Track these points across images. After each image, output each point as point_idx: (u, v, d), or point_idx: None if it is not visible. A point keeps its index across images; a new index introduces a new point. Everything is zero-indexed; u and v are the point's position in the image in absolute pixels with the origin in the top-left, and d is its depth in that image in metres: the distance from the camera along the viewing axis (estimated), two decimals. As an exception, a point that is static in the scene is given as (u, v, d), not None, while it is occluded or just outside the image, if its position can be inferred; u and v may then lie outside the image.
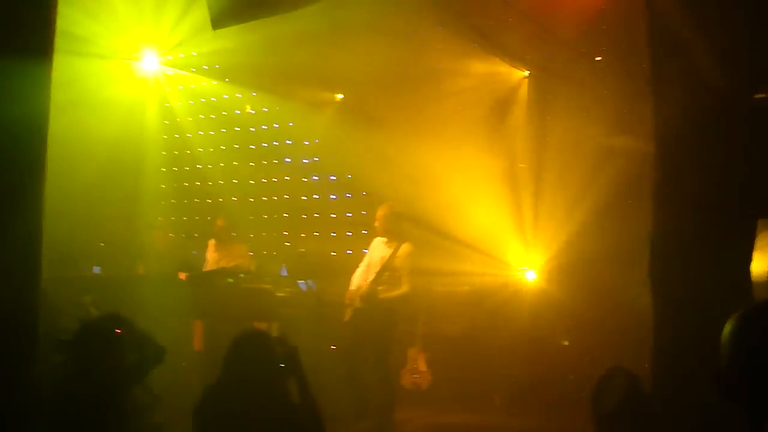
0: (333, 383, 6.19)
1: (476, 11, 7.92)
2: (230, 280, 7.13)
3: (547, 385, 7.48)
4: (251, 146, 9.97)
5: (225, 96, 9.49)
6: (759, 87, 3.68)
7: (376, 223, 6.58)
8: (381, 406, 6.31)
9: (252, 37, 7.32)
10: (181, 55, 8.85)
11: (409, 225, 6.76)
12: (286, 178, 9.98)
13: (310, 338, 6.31)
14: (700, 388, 2.63)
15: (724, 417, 2.04)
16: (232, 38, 7.36)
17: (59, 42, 3.26)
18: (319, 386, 3.58)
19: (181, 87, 9.45)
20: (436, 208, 7.81)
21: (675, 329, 3.70)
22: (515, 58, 8.43)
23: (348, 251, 8.66)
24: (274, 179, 10.04)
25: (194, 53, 8.77)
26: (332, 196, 9.63)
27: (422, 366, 7.17)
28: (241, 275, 7.25)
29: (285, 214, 9.83)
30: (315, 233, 9.47)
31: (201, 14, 5.78)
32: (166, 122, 9.51)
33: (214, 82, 9.33)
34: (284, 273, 8.78)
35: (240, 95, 9.57)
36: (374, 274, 6.40)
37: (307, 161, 9.87)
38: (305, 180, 9.78)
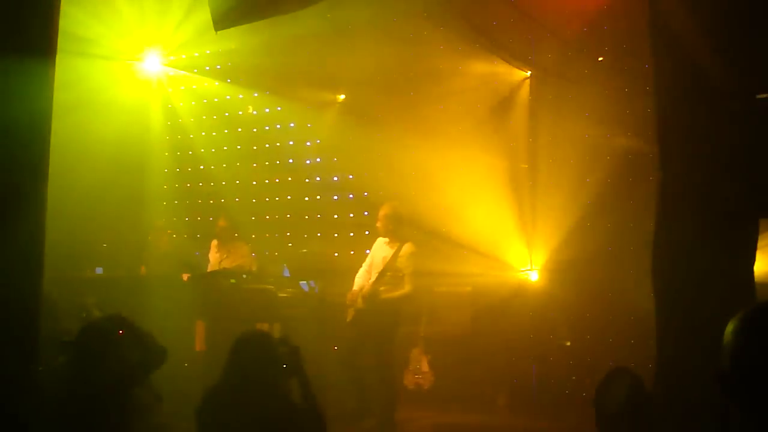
0: (335, 383, 6.20)
1: (478, 11, 7.92)
2: (232, 280, 7.14)
3: (549, 386, 7.50)
4: (254, 147, 9.95)
5: (227, 97, 9.50)
6: (759, 87, 3.68)
7: (378, 224, 6.56)
8: (383, 406, 6.30)
9: (254, 38, 7.34)
10: (184, 57, 8.87)
11: (411, 225, 6.75)
12: (288, 178, 9.96)
13: (312, 339, 6.31)
14: (702, 388, 2.63)
15: (726, 417, 2.04)
16: (235, 39, 7.38)
17: (62, 43, 3.27)
18: (321, 386, 3.59)
19: (183, 88, 9.47)
20: (438, 208, 7.79)
21: (677, 330, 3.70)
22: (517, 58, 8.42)
23: (350, 252, 8.65)
24: (276, 180, 10.03)
25: (197, 54, 8.79)
26: (334, 197, 9.62)
27: (425, 366, 7.16)
28: (244, 276, 7.26)
29: (287, 215, 9.81)
30: (317, 234, 9.45)
31: (203, 16, 5.79)
32: (169, 123, 9.53)
33: (217, 83, 9.35)
34: (286, 273, 8.79)
35: (242, 96, 9.57)
36: (376, 275, 6.39)
37: (309, 162, 9.86)
38: (307, 181, 9.76)
